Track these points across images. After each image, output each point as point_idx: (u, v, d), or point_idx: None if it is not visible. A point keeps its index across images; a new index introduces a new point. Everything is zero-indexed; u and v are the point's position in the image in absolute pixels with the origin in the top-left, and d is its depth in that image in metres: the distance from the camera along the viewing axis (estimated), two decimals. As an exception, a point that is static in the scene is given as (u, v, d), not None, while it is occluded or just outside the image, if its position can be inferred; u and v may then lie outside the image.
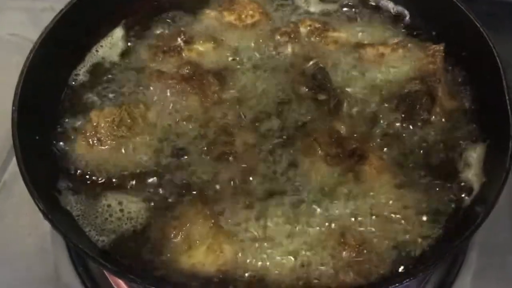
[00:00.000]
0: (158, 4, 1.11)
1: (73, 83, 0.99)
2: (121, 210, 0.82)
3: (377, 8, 1.11)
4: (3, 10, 1.48)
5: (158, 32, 1.06)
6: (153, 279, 0.72)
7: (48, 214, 0.74)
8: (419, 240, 0.79)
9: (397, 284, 0.69)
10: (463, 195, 0.84)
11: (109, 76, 0.99)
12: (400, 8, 1.10)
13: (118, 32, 1.06)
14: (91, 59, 1.03)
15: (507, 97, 0.85)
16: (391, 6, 1.10)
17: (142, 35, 1.06)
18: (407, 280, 0.70)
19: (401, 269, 0.76)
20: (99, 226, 0.81)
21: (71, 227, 0.79)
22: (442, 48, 0.99)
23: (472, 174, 0.86)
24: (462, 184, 0.85)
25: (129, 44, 1.04)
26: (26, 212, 0.99)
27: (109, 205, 0.83)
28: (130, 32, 1.06)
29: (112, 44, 1.05)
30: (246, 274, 0.75)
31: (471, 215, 0.79)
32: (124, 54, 1.03)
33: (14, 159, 1.06)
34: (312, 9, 1.10)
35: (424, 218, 0.81)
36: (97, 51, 1.04)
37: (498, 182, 0.77)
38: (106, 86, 0.98)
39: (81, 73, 1.00)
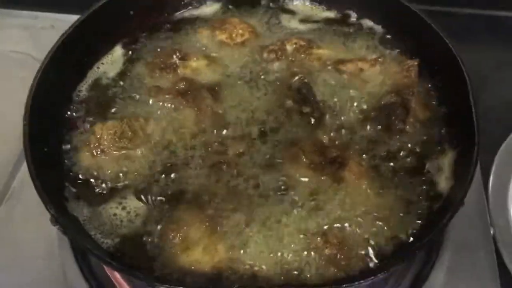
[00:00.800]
0: (155, 24, 1.18)
1: (77, 98, 1.06)
2: (123, 215, 0.89)
3: (357, 26, 1.19)
4: (4, 28, 1.54)
5: (155, 50, 1.13)
6: (157, 276, 0.79)
7: (58, 219, 0.81)
8: (395, 237, 0.86)
9: (373, 277, 0.77)
10: (435, 197, 0.91)
11: (110, 91, 1.07)
12: (377, 26, 1.18)
13: (118, 50, 1.14)
14: (92, 75, 1.10)
15: (473, 109, 0.93)
16: (369, 24, 1.19)
17: (140, 53, 1.13)
18: (382, 273, 0.78)
19: (378, 263, 0.84)
20: (103, 230, 0.88)
21: (79, 231, 0.86)
22: (416, 63, 1.06)
23: (443, 178, 0.94)
24: (435, 186, 0.93)
25: (128, 61, 1.12)
26: (34, 218, 1.04)
27: (112, 210, 0.90)
28: (129, 50, 1.14)
29: (112, 62, 1.12)
30: (239, 271, 0.82)
31: (442, 214, 0.86)
32: (124, 71, 1.10)
33: (22, 168, 1.17)
34: (297, 28, 1.18)
35: (399, 218, 0.89)
36: (98, 68, 1.11)
37: (465, 184, 0.85)
38: (107, 101, 1.05)
39: (84, 89, 1.08)
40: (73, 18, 1.49)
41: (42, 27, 1.52)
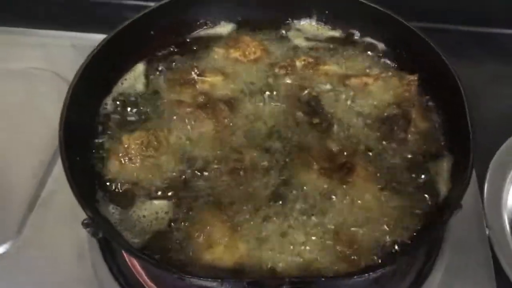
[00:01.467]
0: (174, 42, 1.27)
1: (104, 111, 1.14)
2: (151, 216, 0.97)
3: (360, 44, 1.28)
4: (26, 46, 1.61)
5: (175, 67, 1.22)
6: (186, 271, 0.87)
7: (94, 221, 0.90)
8: (398, 236, 0.94)
9: (381, 269, 0.85)
10: (434, 199, 0.99)
11: (134, 105, 1.15)
12: (379, 44, 1.26)
13: (140, 67, 1.22)
14: (117, 90, 1.18)
15: (468, 120, 1.00)
16: (372, 42, 1.28)
17: (161, 70, 1.21)
18: (388, 266, 0.86)
19: (383, 259, 0.91)
20: (133, 230, 0.95)
21: (112, 231, 0.94)
22: (416, 78, 1.15)
23: (442, 182, 1.02)
24: (434, 190, 1.01)
25: (150, 77, 1.20)
26: (64, 223, 1.13)
27: (140, 213, 0.97)
28: (150, 67, 1.22)
29: (135, 78, 1.20)
30: (258, 266, 0.90)
31: (441, 215, 0.94)
32: (146, 86, 1.18)
33: (50, 178, 1.24)
34: (305, 45, 1.28)
35: (403, 218, 0.96)
36: (122, 83, 1.19)
37: (462, 187, 0.92)
38: (132, 113, 1.13)
39: (110, 103, 1.15)
40: (92, 36, 1.62)
41: (62, 46, 1.59)
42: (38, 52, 1.57)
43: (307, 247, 0.93)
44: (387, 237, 0.95)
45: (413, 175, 1.03)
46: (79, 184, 0.94)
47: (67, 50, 1.57)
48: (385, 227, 0.96)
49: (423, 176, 1.03)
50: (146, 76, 1.21)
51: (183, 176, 1.02)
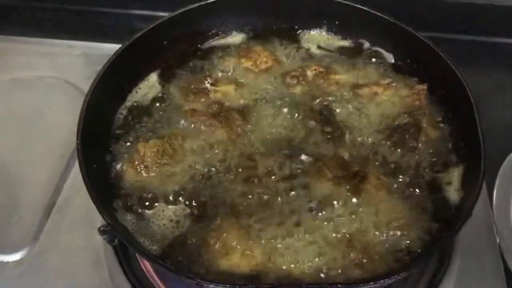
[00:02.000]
0: (186, 52, 1.29)
1: (119, 120, 1.16)
2: (168, 223, 0.98)
3: (370, 53, 1.30)
4: (39, 56, 1.64)
5: (188, 76, 1.24)
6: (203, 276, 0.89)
7: (113, 228, 0.91)
8: (412, 243, 0.95)
9: (395, 276, 0.86)
10: (446, 208, 1.01)
11: (149, 113, 1.17)
12: (388, 54, 1.28)
13: (154, 76, 1.24)
14: (132, 99, 1.20)
15: (479, 128, 1.02)
16: (381, 51, 1.29)
17: (175, 79, 1.23)
18: (401, 274, 0.87)
19: (396, 267, 0.92)
20: (150, 237, 0.97)
21: (130, 238, 0.95)
22: (425, 87, 1.17)
23: (453, 190, 1.03)
24: (446, 198, 1.02)
25: (163, 86, 1.22)
26: (80, 230, 1.14)
27: (157, 220, 0.99)
28: (164, 76, 1.24)
29: (149, 87, 1.22)
30: (274, 273, 0.91)
31: (453, 223, 0.95)
32: (160, 95, 1.20)
33: (65, 184, 1.26)
34: (316, 55, 1.29)
35: (415, 226, 0.97)
36: (136, 92, 1.21)
37: (474, 195, 0.94)
38: (146, 122, 1.15)
39: (125, 111, 1.17)
40: (101, 46, 1.65)
41: (75, 55, 1.62)
42: (48, 61, 1.60)
43: (322, 255, 0.94)
44: (400, 244, 0.96)
45: (425, 184, 1.05)
46: (97, 191, 0.95)
47: (78, 59, 1.60)
48: (398, 235, 0.97)
49: (434, 185, 1.05)
50: (160, 85, 1.23)
51: (198, 184, 1.04)
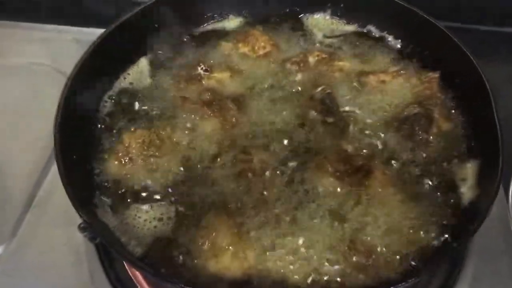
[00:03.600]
0: (180, 37, 1.21)
1: (105, 107, 1.07)
2: (153, 221, 0.90)
3: (378, 39, 1.21)
4: (27, 41, 1.56)
5: (179, 62, 1.15)
6: (188, 279, 0.81)
7: (91, 226, 0.83)
8: (421, 246, 0.87)
9: (403, 283, 0.78)
10: (460, 206, 0.92)
11: (137, 101, 1.08)
12: (398, 40, 1.20)
13: (143, 62, 1.16)
14: (119, 85, 1.12)
15: (496, 119, 0.94)
16: (389, 37, 1.21)
17: (166, 65, 1.15)
18: (410, 280, 0.78)
19: (404, 271, 0.84)
20: (133, 235, 0.89)
21: (110, 237, 0.87)
22: (437, 75, 1.09)
23: (467, 187, 0.95)
24: (459, 196, 0.94)
25: (153, 72, 1.14)
26: (60, 226, 1.06)
27: (141, 217, 0.91)
28: (154, 62, 1.16)
29: (138, 72, 1.14)
30: (268, 277, 0.83)
31: (467, 224, 0.87)
32: (149, 81, 1.12)
33: (47, 177, 1.18)
34: (318, 40, 1.21)
35: (425, 227, 0.89)
36: (124, 78, 1.13)
37: (491, 193, 0.85)
38: (134, 110, 1.07)
39: (111, 98, 1.09)
40: (96, 31, 1.53)
41: (65, 40, 1.54)
42: (39, 47, 1.52)
43: (321, 258, 0.86)
44: (408, 247, 0.88)
45: (436, 180, 0.96)
46: (76, 186, 0.88)
47: (69, 45, 1.52)
48: (405, 236, 0.89)
49: (446, 182, 0.96)
50: (150, 71, 1.15)
51: (187, 178, 0.96)
